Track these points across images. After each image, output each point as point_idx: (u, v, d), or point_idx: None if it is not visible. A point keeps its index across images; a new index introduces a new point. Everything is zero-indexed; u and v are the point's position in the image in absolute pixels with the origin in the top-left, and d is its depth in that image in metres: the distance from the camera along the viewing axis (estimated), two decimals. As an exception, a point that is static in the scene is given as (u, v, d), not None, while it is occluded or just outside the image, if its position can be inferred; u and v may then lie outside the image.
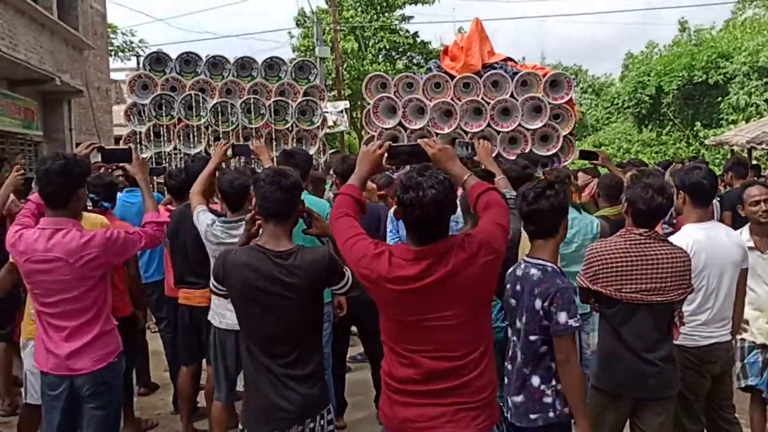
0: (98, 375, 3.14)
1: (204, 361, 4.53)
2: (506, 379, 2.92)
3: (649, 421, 3.10)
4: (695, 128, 23.51)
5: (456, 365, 2.35)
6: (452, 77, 9.92)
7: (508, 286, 2.92)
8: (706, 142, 14.43)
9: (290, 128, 10.80)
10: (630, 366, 3.03)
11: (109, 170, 4.29)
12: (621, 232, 3.18)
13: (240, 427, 2.89)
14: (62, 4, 14.48)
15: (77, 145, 15.23)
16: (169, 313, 4.94)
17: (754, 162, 11.08)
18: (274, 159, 4.82)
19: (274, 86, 10.76)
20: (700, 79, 22.93)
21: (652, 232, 3.09)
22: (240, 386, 4.07)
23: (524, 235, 3.06)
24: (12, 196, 4.72)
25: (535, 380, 2.78)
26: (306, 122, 10.96)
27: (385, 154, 2.63)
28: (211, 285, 2.97)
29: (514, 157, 9.56)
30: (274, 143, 10.56)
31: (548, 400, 2.77)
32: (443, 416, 2.36)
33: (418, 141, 2.71)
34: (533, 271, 2.80)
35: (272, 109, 10.58)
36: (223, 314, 3.90)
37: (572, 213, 4.66)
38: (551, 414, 2.75)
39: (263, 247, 2.75)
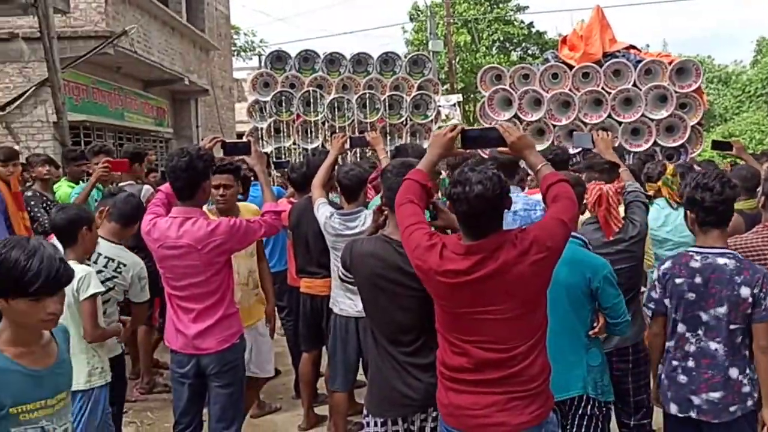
0: (222, 355, 3.33)
1: (324, 348, 4.68)
2: (680, 377, 2.88)
3: None
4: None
5: (504, 357, 2.36)
6: (571, 67, 9.65)
7: (678, 280, 2.86)
8: None
9: (404, 122, 10.89)
10: None
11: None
12: (758, 228, 3.03)
13: (364, 411, 2.96)
14: (190, 8, 15.33)
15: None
16: (290, 301, 5.12)
17: None
18: (389, 152, 4.90)
19: (389, 81, 10.88)
20: None
21: None
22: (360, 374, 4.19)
23: None
24: (150, 189, 5.07)
25: (734, 372, 2.78)
26: (420, 116, 11.01)
27: (458, 138, 2.61)
28: (339, 273, 3.07)
29: (637, 150, 9.22)
30: (389, 137, 10.67)
31: (746, 389, 2.79)
32: (496, 404, 2.38)
33: (496, 125, 2.67)
34: (723, 260, 2.77)
35: (387, 104, 10.70)
36: (343, 302, 4.01)
37: (666, 209, 4.46)
38: (749, 403, 2.77)
39: (389, 237, 2.80)
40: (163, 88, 14.12)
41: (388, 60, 11.21)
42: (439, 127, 12.23)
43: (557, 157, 4.44)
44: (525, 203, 3.94)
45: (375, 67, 11.03)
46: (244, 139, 5.44)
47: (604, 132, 3.84)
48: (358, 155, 9.83)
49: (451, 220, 2.96)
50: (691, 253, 2.87)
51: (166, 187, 3.48)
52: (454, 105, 18.83)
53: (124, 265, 3.54)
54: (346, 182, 3.96)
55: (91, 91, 10.92)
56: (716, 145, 5.72)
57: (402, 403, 2.78)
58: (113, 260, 3.52)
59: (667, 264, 2.91)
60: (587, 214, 3.48)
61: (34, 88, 9.82)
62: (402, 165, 2.88)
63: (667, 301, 2.91)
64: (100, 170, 4.92)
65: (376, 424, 2.85)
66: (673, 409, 2.90)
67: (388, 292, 2.76)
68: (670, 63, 9.32)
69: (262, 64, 11.48)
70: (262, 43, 25.32)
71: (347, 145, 4.42)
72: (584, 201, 3.33)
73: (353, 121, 10.61)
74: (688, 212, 2.92)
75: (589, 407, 2.98)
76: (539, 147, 9.64)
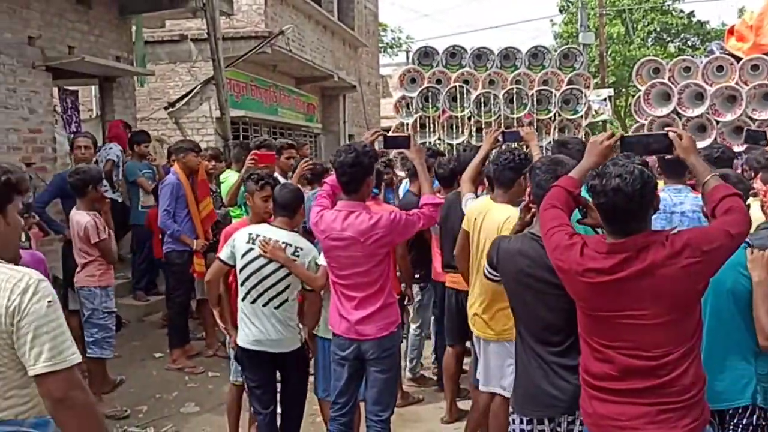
0: (381, 342, 3.48)
1: (468, 343, 4.69)
2: None
3: None
4: None
5: (651, 365, 2.23)
6: (738, 59, 8.97)
7: None
8: None
9: (552, 118, 10.62)
10: None
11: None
12: None
13: (510, 409, 2.95)
14: (341, 7, 15.85)
15: (350, 136, 16.63)
16: (435, 295, 5.19)
17: None
18: (544, 148, 4.81)
19: (538, 76, 10.64)
20: None
21: None
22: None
23: None
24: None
25: None
26: (569, 111, 10.68)
27: (617, 145, 2.52)
28: (484, 271, 3.07)
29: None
30: (536, 133, 10.45)
31: None
32: (645, 416, 2.25)
33: (666, 130, 2.54)
34: None
35: (535, 99, 10.48)
36: None
37: None
38: None
39: (537, 234, 2.75)
40: (313, 85, 14.71)
41: (537, 54, 10.96)
42: (589, 124, 11.83)
43: (724, 155, 4.17)
44: (693, 204, 3.73)
45: (523, 62, 10.82)
46: (403, 133, 5.60)
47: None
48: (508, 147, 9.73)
49: (600, 219, 2.87)
50: None
51: (331, 179, 3.67)
52: (605, 100, 18.05)
53: (301, 249, 3.75)
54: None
55: (249, 88, 11.60)
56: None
57: (548, 403, 2.74)
58: (291, 245, 3.73)
59: None
60: (757, 214, 3.23)
61: (200, 85, 10.61)
62: (552, 162, 2.83)
63: None
64: (249, 163, 5.29)
65: (521, 422, 2.84)
66: None
67: (535, 291, 2.73)
68: None
69: (410, 60, 11.63)
70: (409, 40, 25.64)
71: (500, 140, 4.40)
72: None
73: (499, 116, 10.48)
74: None
75: (755, 417, 2.78)
76: (701, 144, 9.08)
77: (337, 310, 3.55)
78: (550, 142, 10.50)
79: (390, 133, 4.35)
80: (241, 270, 3.71)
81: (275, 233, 3.73)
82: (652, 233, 2.26)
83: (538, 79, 10.64)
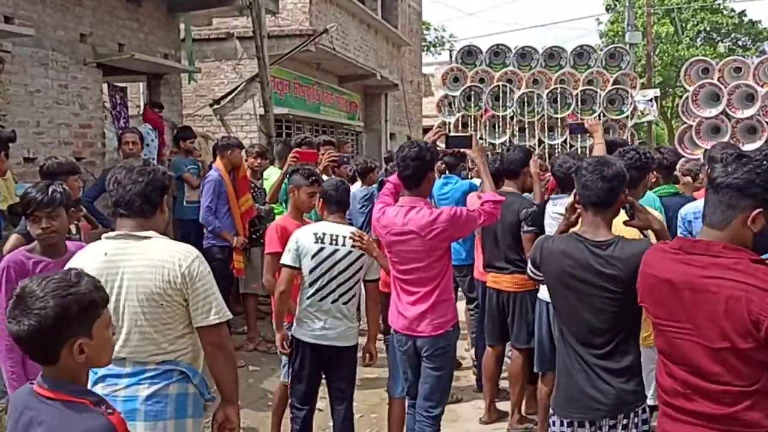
0: (435, 339, 3.53)
1: (509, 343, 4.67)
2: None
3: None
4: None
5: (714, 389, 2.06)
6: (792, 59, 8.71)
7: None
8: None
9: (598, 118, 10.44)
10: None
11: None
12: None
13: (550, 411, 2.93)
14: (384, 5, 15.87)
15: (392, 135, 16.65)
16: (478, 295, 5.17)
17: None
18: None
19: (583, 75, 10.50)
20: None
21: None
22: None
23: None
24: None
25: None
26: (615, 112, 10.52)
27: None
28: (528, 270, 3.05)
29: None
30: (579, 135, 10.32)
31: None
32: None
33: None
34: None
35: (579, 99, 10.34)
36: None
37: None
38: None
39: (581, 236, 2.74)
40: (356, 84, 14.77)
41: (582, 53, 10.81)
42: (635, 125, 11.62)
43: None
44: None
45: (568, 61, 10.70)
46: (464, 133, 5.70)
47: None
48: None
49: (649, 220, 2.82)
50: None
51: (394, 177, 3.76)
52: (651, 100, 17.73)
53: None
54: (561, 175, 4.14)
55: (293, 86, 11.70)
56: None
57: (590, 406, 2.71)
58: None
59: None
60: None
61: (245, 83, 10.74)
62: (598, 163, 2.79)
63: None
64: (290, 160, 5.39)
65: (562, 424, 2.81)
66: None
67: (578, 292, 2.70)
68: None
69: (453, 59, 11.57)
70: (452, 38, 25.55)
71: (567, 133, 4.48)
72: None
73: (543, 116, 10.38)
74: None
75: None
76: (751, 146, 8.84)
77: (396, 307, 3.64)
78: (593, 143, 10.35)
79: (452, 134, 4.45)
80: (311, 271, 3.70)
81: (340, 229, 3.76)
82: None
83: (583, 79, 10.49)
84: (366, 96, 15.91)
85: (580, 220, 2.89)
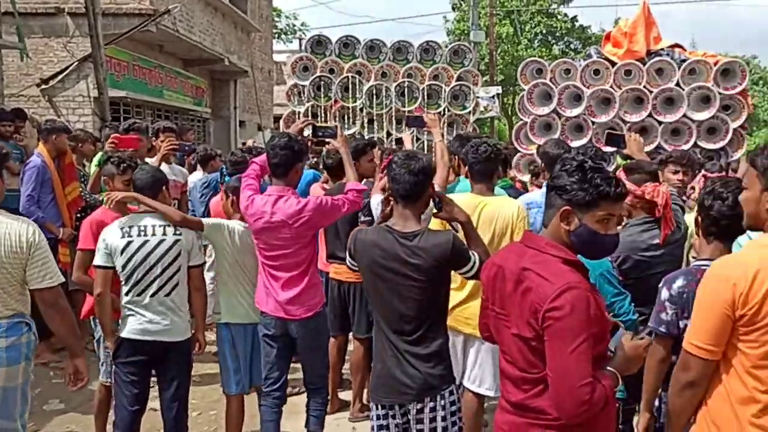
0: (307, 322, 3.66)
1: (351, 334, 4.71)
2: None
3: None
4: None
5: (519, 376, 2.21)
6: (613, 64, 9.47)
7: None
8: None
9: (442, 113, 10.83)
10: None
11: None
12: None
13: (367, 395, 3.04)
14: (233, -11, 15.42)
15: (241, 123, 16.25)
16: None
17: None
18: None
19: (429, 70, 10.82)
20: None
21: None
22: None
23: None
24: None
25: None
26: (458, 107, 10.94)
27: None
28: (347, 261, 3.11)
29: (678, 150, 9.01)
30: (416, 128, 10.63)
31: None
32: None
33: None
34: None
35: (425, 93, 10.65)
36: None
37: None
38: None
39: (391, 227, 2.84)
40: (202, 68, 14.26)
41: (428, 49, 11.14)
42: (477, 120, 12.16)
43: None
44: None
45: (415, 56, 10.97)
46: (331, 125, 5.63)
47: (636, 134, 3.83)
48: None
49: (455, 212, 2.96)
50: (704, 268, 2.69)
51: (261, 159, 3.82)
52: (493, 97, 18.61)
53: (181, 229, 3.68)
54: None
55: (132, 68, 11.07)
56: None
57: (399, 390, 2.81)
58: (169, 226, 3.63)
59: (681, 281, 2.65)
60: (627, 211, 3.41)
61: (77, 62, 10.00)
62: (407, 157, 2.88)
63: (683, 323, 2.68)
64: (108, 147, 5.12)
65: (377, 408, 2.92)
66: None
67: (388, 281, 2.80)
68: (715, 63, 9.09)
69: (303, 48, 11.50)
70: (304, 27, 25.36)
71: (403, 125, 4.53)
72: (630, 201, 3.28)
73: (391, 109, 10.58)
74: (698, 218, 2.77)
75: None
76: (578, 143, 9.42)
77: (265, 290, 3.70)
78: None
79: (319, 123, 4.52)
80: (123, 267, 3.51)
81: (149, 219, 3.58)
82: None
83: (429, 74, 10.81)
84: (214, 81, 15.42)
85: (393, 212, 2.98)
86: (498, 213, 3.59)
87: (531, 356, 2.09)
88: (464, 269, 2.84)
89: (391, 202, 2.95)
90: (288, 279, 3.61)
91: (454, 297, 3.52)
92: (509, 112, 28.30)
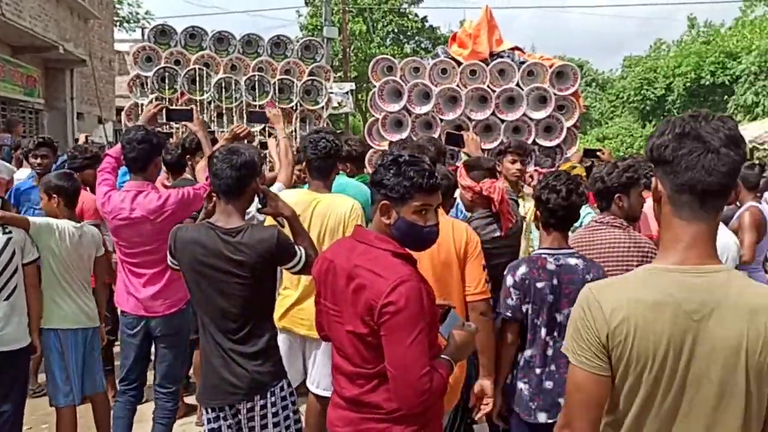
0: (169, 318, 3.62)
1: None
2: (546, 384, 2.93)
3: None
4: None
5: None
6: (459, 64, 9.83)
7: (540, 284, 2.89)
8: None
9: (294, 107, 10.73)
10: None
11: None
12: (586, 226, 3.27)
13: (196, 397, 2.99)
14: (69, -28, 14.38)
15: (79, 115, 15.22)
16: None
17: (756, 161, 11.00)
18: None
19: (280, 64, 10.67)
20: (708, 82, 22.85)
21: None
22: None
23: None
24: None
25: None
26: (310, 102, 10.89)
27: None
28: (168, 261, 3.01)
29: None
30: (258, 123, 10.52)
31: None
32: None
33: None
34: (573, 260, 2.84)
35: (277, 88, 10.50)
36: None
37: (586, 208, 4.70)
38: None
39: (213, 224, 2.80)
40: (35, 56, 13.19)
41: (279, 43, 10.98)
42: (331, 115, 12.17)
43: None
44: None
45: (266, 50, 10.79)
46: (186, 107, 5.39)
47: (473, 133, 4.06)
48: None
49: (280, 207, 2.96)
50: (544, 256, 2.92)
51: (116, 151, 3.70)
52: (347, 93, 18.81)
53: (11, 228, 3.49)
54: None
55: (-50, 53, 10.02)
56: (588, 152, 6.23)
57: (227, 391, 2.77)
58: None
59: (523, 269, 2.90)
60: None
61: None
62: (228, 151, 2.84)
63: (525, 308, 2.90)
64: None
65: (208, 411, 2.86)
66: (542, 417, 2.89)
67: (211, 279, 2.75)
68: (551, 66, 9.69)
69: (146, 37, 10.94)
70: (148, 15, 24.15)
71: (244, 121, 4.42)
72: (468, 196, 3.41)
73: (241, 102, 10.32)
74: (537, 212, 2.98)
75: None
76: (398, 137, 9.61)
77: (125, 288, 3.62)
78: (292, 131, 10.64)
79: (174, 107, 4.46)
80: None
81: None
82: None
83: (280, 68, 10.67)
84: (48, 71, 14.31)
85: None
86: (330, 210, 3.60)
87: (366, 352, 2.12)
88: (290, 264, 2.84)
89: (214, 198, 2.90)
90: (150, 276, 3.59)
91: (289, 297, 3.51)
92: (363, 108, 28.66)
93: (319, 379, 3.68)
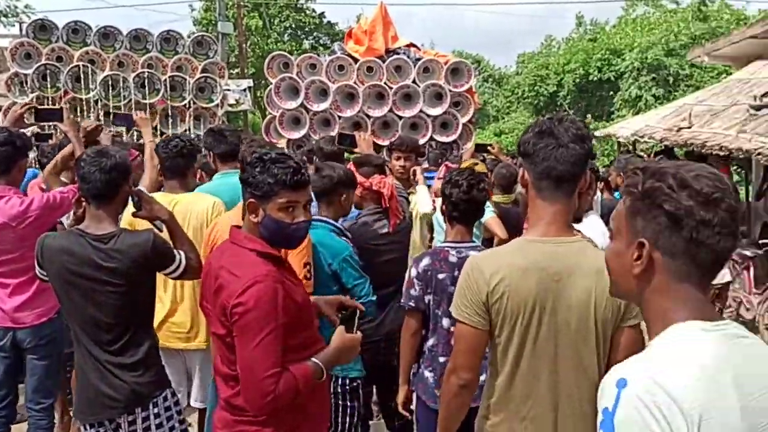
0: (39, 329, 3.45)
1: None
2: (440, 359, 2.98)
3: None
4: (587, 120, 24.58)
5: None
6: (356, 60, 9.83)
7: (441, 275, 2.95)
8: (597, 133, 15.29)
9: (187, 105, 10.42)
10: None
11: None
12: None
13: (73, 413, 2.86)
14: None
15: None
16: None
17: (640, 153, 11.60)
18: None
19: (171, 61, 10.32)
20: (595, 78, 23.98)
21: None
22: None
23: None
24: None
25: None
26: (204, 100, 10.60)
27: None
28: (36, 270, 2.86)
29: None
30: (170, 120, 10.18)
31: None
32: None
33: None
34: (474, 253, 2.89)
35: (168, 85, 10.15)
36: None
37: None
38: None
39: (84, 230, 2.67)
40: None
41: (169, 38, 10.62)
42: (230, 113, 11.90)
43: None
44: None
45: (155, 45, 10.41)
46: (56, 107, 5.06)
47: (365, 133, 4.12)
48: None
49: (155, 210, 2.87)
50: (447, 249, 3.01)
51: None
52: (245, 90, 18.44)
53: None
54: None
55: None
56: (478, 147, 6.42)
57: (105, 404, 2.67)
58: None
59: (426, 261, 2.99)
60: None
61: None
62: (97, 154, 2.72)
63: (428, 298, 2.99)
64: None
65: (86, 428, 2.73)
66: None
67: (82, 289, 2.63)
68: (445, 63, 9.86)
69: (24, 33, 10.31)
70: (28, 9, 22.78)
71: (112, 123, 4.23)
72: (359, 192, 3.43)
73: (130, 101, 9.90)
74: (443, 206, 3.06)
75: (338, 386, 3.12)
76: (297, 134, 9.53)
77: None
78: (186, 129, 10.32)
79: (43, 106, 4.22)
80: None
81: None
82: None
83: (171, 65, 10.32)
84: None
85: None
86: (190, 210, 3.53)
87: (228, 353, 2.12)
88: (169, 269, 2.75)
89: (84, 204, 2.78)
90: (16, 285, 3.41)
91: (160, 310, 3.38)
92: (261, 105, 28.21)
93: (196, 392, 3.62)
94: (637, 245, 1.29)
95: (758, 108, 7.34)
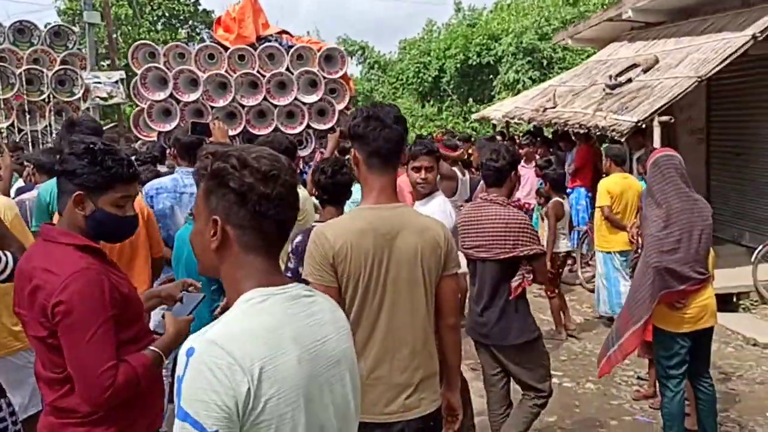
0: None
1: None
2: None
3: (507, 364, 3.60)
4: (469, 104, 25.20)
5: None
6: (226, 48, 9.58)
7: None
8: (472, 116, 15.77)
9: (47, 99, 9.81)
10: (471, 316, 3.68)
11: None
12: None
13: None
14: None
15: None
16: None
17: (503, 132, 11.98)
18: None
19: (26, 53, 9.67)
20: (474, 62, 24.58)
21: (495, 195, 3.57)
22: None
23: None
24: None
25: None
26: (65, 93, 10.02)
27: None
28: None
29: (292, 132, 9.53)
30: (29, 116, 9.55)
31: None
32: None
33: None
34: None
35: (24, 79, 9.51)
36: None
37: None
38: None
39: None
40: None
41: (23, 29, 9.97)
42: (102, 107, 11.27)
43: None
44: None
45: (7, 37, 9.73)
46: None
47: (220, 122, 4.11)
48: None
49: None
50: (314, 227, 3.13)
51: None
52: (117, 82, 17.57)
53: None
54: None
55: None
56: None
57: None
58: None
59: (299, 238, 3.17)
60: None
61: None
62: None
63: (301, 269, 3.09)
64: None
65: None
66: None
67: None
68: (319, 50, 9.79)
69: None
70: None
71: None
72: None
73: (-18, 97, 9.22)
74: (314, 190, 3.38)
75: None
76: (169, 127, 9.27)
77: None
78: (46, 126, 9.74)
79: None
80: None
81: None
82: None
83: (26, 57, 9.67)
84: None
85: None
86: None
87: (51, 356, 2.03)
88: None
89: None
90: None
91: None
92: (133, 97, 27.01)
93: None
94: (212, 222, 1.40)
95: (613, 87, 7.75)
